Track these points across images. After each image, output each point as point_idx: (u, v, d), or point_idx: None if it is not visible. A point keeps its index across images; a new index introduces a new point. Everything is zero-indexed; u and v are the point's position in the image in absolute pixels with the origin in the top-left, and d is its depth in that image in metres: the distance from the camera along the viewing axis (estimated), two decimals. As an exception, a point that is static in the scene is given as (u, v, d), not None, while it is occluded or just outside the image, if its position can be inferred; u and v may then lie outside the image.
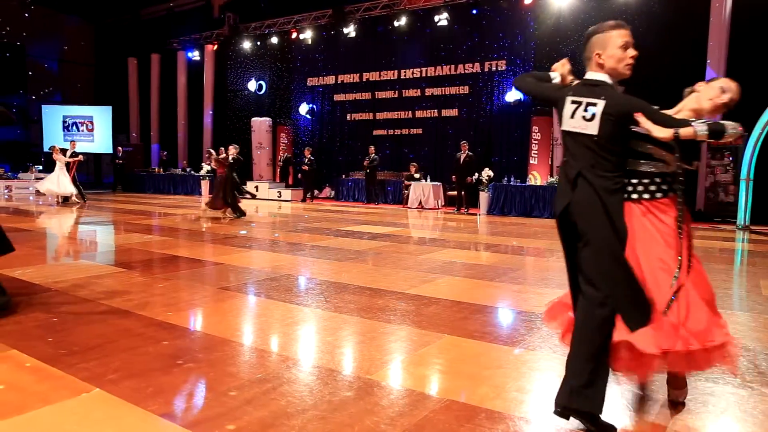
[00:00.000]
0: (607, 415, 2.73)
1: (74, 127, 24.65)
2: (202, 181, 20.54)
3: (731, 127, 2.41)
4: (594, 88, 2.63)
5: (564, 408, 2.53)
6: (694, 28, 13.34)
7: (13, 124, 4.36)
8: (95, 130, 24.66)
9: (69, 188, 14.76)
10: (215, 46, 22.54)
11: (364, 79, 19.51)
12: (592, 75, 2.70)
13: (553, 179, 14.26)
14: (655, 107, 2.53)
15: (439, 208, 15.88)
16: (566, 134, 2.68)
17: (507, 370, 3.30)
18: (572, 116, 2.63)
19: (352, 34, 18.71)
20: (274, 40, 20.67)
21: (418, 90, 18.41)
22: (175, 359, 3.34)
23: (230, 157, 12.31)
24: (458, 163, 14.91)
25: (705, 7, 13.18)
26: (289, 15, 20.07)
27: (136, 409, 2.67)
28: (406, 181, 16.80)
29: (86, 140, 24.30)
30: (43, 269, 6.14)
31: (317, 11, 19.37)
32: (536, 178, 15.02)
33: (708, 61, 13.16)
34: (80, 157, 15.29)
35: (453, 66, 17.61)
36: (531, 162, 15.29)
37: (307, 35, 19.65)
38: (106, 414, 2.64)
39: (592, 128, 2.55)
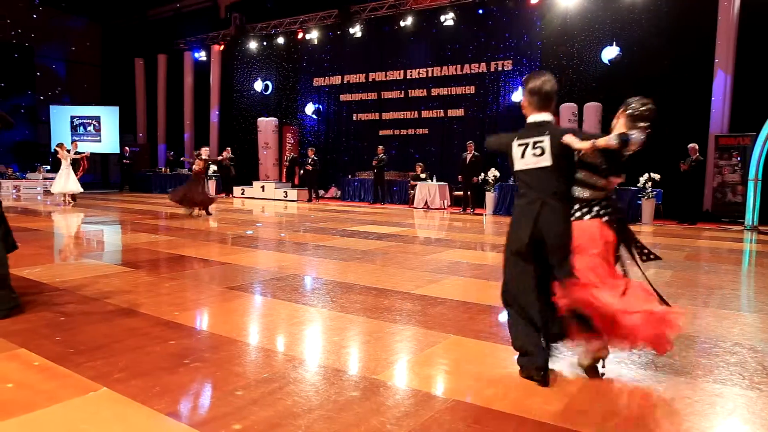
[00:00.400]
0: (615, 417, 2.73)
1: (82, 128, 24.76)
2: (209, 181, 20.59)
3: (634, 136, 2.95)
4: (538, 128, 3.11)
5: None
6: (701, 27, 13.27)
7: (12, 128, 4.38)
8: (102, 130, 24.76)
9: (76, 186, 14.86)
10: (222, 47, 22.59)
11: (370, 79, 19.51)
12: (536, 117, 3.17)
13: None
14: (585, 131, 3.08)
15: (445, 208, 15.86)
16: (521, 173, 3.17)
17: (514, 370, 3.29)
18: (522, 156, 3.12)
19: (358, 35, 18.71)
20: (281, 40, 20.70)
21: (424, 90, 18.40)
22: (181, 359, 3.35)
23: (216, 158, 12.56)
24: (464, 163, 14.88)
25: (713, 6, 13.11)
26: (296, 15, 20.09)
27: (143, 408, 2.67)
28: (412, 181, 16.80)
29: (93, 140, 24.41)
30: (50, 268, 6.17)
31: (323, 11, 19.38)
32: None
33: (716, 60, 13.09)
34: (87, 153, 15.36)
35: (459, 66, 17.59)
36: (538, 162, 15.22)
37: (314, 35, 19.67)
38: (113, 413, 2.65)
39: (545, 161, 3.05)
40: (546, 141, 3.04)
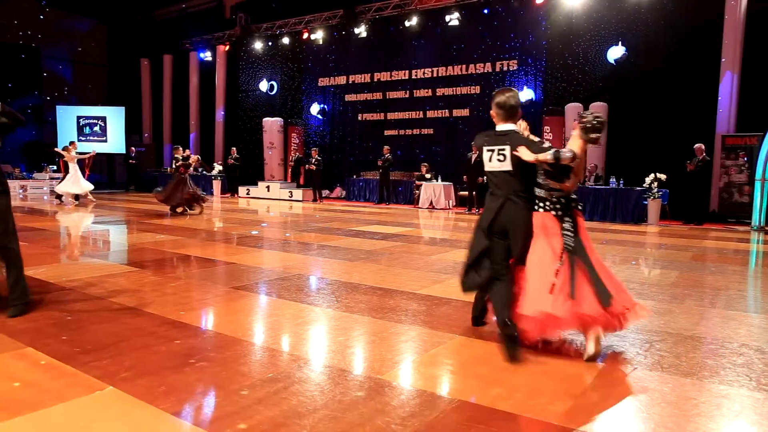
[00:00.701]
0: (621, 417, 2.73)
1: (88, 128, 24.86)
2: (214, 181, 20.65)
3: (564, 152, 3.43)
4: (503, 137, 3.71)
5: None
6: (708, 26, 13.21)
7: (24, 125, 4.44)
8: (108, 131, 24.85)
9: (87, 186, 15.08)
10: (227, 47, 22.62)
11: (375, 80, 19.51)
12: (502, 127, 3.77)
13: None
14: (538, 141, 3.68)
15: (450, 209, 15.85)
16: (489, 174, 3.81)
17: (519, 371, 3.29)
18: (490, 160, 3.75)
19: (363, 35, 18.71)
20: (286, 40, 20.71)
21: (430, 90, 18.38)
22: (187, 358, 3.36)
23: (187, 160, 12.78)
24: (469, 164, 14.85)
25: (720, 6, 13.05)
26: (301, 15, 20.11)
27: (148, 408, 2.68)
28: (417, 182, 16.78)
29: (99, 140, 24.50)
30: (57, 268, 6.20)
31: (328, 11, 19.39)
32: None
33: (723, 59, 13.02)
34: (93, 152, 15.52)
35: (464, 66, 17.57)
36: (542, 162, 15.21)
37: (319, 35, 19.68)
38: (119, 412, 2.66)
39: (507, 166, 3.67)
40: (507, 149, 3.65)
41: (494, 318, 3.77)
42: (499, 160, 3.70)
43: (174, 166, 12.97)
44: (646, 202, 12.56)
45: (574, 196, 3.77)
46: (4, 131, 4.27)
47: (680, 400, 2.91)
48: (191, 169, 13.04)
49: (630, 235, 10.44)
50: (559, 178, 3.64)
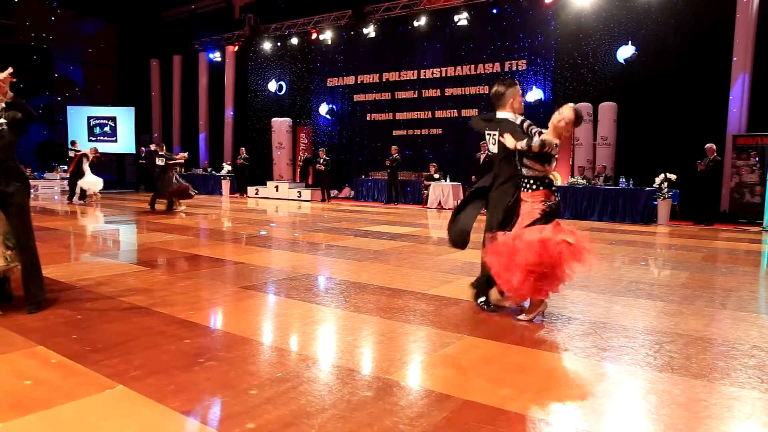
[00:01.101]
0: (630, 418, 2.71)
1: (98, 128, 25.03)
2: (223, 181, 20.72)
3: (534, 142, 4.05)
4: (498, 123, 4.42)
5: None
6: (719, 25, 13.12)
7: (35, 120, 4.49)
8: (118, 131, 25.01)
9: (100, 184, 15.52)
10: (236, 47, 22.69)
11: (384, 80, 19.51)
12: (501, 114, 4.49)
13: (575, 179, 14.12)
14: (524, 127, 4.33)
15: (458, 209, 15.79)
16: (491, 155, 4.63)
17: (528, 372, 3.28)
18: (492, 144, 4.51)
19: (372, 35, 18.72)
20: (294, 40, 20.76)
21: (438, 90, 18.37)
22: (196, 357, 3.38)
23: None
24: (478, 163, 14.83)
25: (731, 4, 12.95)
26: (309, 16, 20.14)
27: (158, 406, 2.70)
28: (425, 182, 16.77)
29: (109, 140, 24.66)
30: (68, 267, 6.24)
31: (337, 12, 19.41)
32: (557, 178, 14.91)
33: (734, 58, 12.93)
34: (91, 150, 16.00)
35: (473, 66, 17.55)
36: (552, 162, 15.16)
37: (327, 36, 19.71)
38: (129, 410, 2.67)
39: (495, 149, 4.48)
40: (496, 135, 4.41)
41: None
42: (493, 144, 4.50)
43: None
44: (656, 203, 12.48)
45: (550, 177, 4.33)
46: (20, 129, 4.31)
47: (690, 401, 2.89)
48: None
49: (640, 235, 10.39)
50: (540, 162, 4.19)
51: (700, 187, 12.39)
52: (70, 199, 15.65)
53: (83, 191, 15.45)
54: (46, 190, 21.03)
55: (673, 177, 12.13)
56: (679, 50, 13.58)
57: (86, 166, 15.18)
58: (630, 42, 14.17)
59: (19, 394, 2.81)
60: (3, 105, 4.21)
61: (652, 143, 13.82)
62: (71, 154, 15.96)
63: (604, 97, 14.48)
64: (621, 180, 13.49)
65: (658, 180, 12.26)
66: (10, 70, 4.17)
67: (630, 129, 14.18)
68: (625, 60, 14.30)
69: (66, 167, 22.69)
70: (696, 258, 7.78)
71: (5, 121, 4.18)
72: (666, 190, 12.28)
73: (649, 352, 3.65)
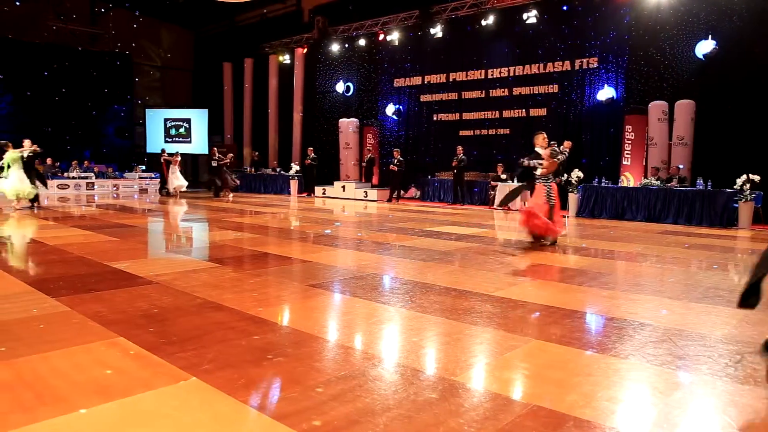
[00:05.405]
0: (708, 427, 2.59)
1: (174, 129, 26.13)
2: (291, 181, 21.17)
3: (530, 163, 8.56)
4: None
5: None
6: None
7: (41, 154, 5.39)
8: (192, 132, 26.01)
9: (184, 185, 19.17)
10: (305, 50, 23.13)
11: (451, 80, 19.39)
12: (538, 149, 8.51)
13: (648, 180, 13.58)
14: (549, 148, 8.58)
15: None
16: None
17: (597, 377, 3.18)
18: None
19: (439, 35, 18.65)
20: (362, 42, 20.96)
21: (506, 89, 18.08)
22: (265, 353, 3.46)
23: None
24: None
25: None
26: (376, 17, 20.29)
27: (228, 399, 2.79)
28: (492, 182, 16.57)
29: (184, 141, 25.68)
30: (145, 263, 6.54)
31: (404, 12, 19.46)
32: (629, 179, 14.39)
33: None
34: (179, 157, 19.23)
35: (542, 64, 17.17)
36: (624, 163, 14.66)
37: (394, 36, 19.79)
38: (201, 401, 2.77)
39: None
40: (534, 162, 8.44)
41: None
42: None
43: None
44: (736, 205, 11.83)
45: (550, 177, 8.29)
46: (31, 162, 5.55)
47: (775, 416, 2.73)
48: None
49: (718, 239, 9.89)
50: (553, 172, 8.35)
51: (786, 189, 11.67)
52: (160, 192, 19.97)
53: (169, 189, 19.14)
54: (127, 189, 22.15)
55: (756, 178, 11.47)
56: (762, 45, 12.82)
57: (174, 168, 18.69)
58: (710, 36, 13.50)
59: (102, 382, 2.96)
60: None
61: (732, 143, 13.11)
62: (161, 159, 19.69)
63: (681, 94, 13.86)
64: (698, 181, 12.87)
65: (739, 181, 11.63)
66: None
67: (709, 128, 13.51)
68: (704, 55, 13.64)
69: (144, 167, 24.11)
70: (782, 264, 7.32)
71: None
72: (748, 192, 11.63)
73: (729, 363, 3.47)
